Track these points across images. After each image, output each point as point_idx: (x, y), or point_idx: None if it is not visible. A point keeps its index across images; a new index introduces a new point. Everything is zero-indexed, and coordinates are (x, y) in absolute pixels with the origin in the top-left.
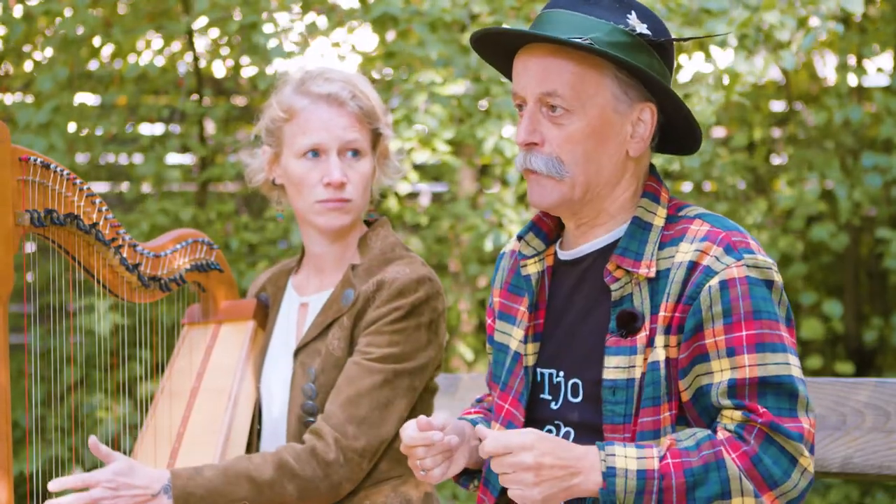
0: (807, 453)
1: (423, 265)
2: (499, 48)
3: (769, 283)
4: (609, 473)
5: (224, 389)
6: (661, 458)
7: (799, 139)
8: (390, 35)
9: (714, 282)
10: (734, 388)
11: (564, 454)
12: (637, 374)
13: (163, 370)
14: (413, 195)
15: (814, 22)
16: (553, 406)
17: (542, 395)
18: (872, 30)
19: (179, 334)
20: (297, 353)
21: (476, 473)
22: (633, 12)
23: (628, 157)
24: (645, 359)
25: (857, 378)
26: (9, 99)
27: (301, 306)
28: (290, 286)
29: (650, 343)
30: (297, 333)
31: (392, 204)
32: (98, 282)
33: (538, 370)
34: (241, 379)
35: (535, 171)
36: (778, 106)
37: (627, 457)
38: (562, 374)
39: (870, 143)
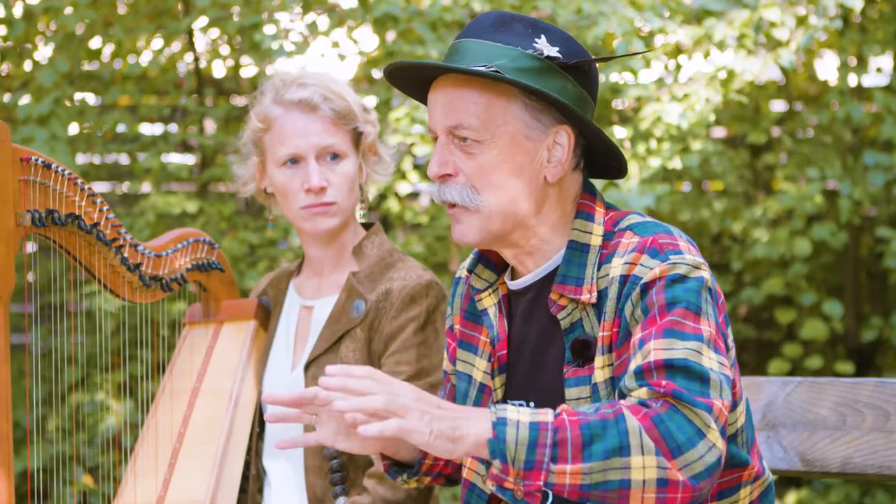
0: (715, 427)
1: (424, 269)
2: (415, 81)
3: (695, 279)
4: (500, 423)
5: (225, 389)
6: (557, 415)
7: (799, 139)
8: (390, 35)
9: (637, 289)
10: (640, 373)
11: (448, 402)
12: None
13: (164, 370)
14: (413, 195)
15: (813, 20)
16: None
17: None
18: (872, 30)
19: (180, 334)
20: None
21: (406, 466)
22: (542, 36)
23: (547, 183)
24: None
25: (857, 378)
26: (8, 97)
27: (303, 308)
28: (291, 288)
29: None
30: (299, 334)
31: (392, 204)
32: (99, 282)
33: (508, 402)
34: (242, 379)
35: (452, 204)
36: (778, 106)
37: (520, 412)
38: (532, 403)
39: (870, 142)
